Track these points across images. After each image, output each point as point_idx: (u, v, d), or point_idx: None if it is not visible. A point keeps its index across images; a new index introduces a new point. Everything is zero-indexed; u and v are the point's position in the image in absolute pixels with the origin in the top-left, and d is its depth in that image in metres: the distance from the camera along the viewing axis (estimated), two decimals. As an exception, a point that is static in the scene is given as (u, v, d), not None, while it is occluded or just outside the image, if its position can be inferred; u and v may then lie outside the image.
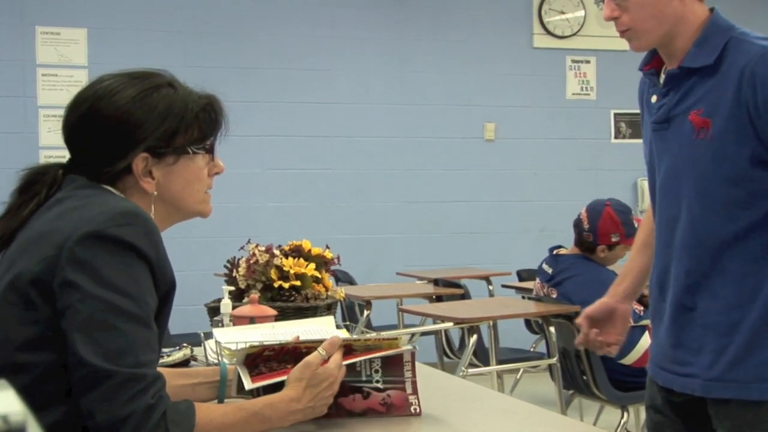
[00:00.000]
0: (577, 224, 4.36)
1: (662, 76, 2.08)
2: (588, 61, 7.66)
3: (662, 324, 2.11)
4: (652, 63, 2.12)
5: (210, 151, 1.67)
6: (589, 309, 2.32)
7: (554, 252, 4.51)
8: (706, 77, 1.97)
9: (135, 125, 1.57)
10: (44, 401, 1.44)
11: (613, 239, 4.29)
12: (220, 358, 2.02)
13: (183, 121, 1.61)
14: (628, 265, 2.36)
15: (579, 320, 2.34)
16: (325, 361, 1.70)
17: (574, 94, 7.67)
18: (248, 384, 1.70)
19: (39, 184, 1.60)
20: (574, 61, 7.65)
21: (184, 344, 2.33)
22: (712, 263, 1.99)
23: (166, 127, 1.59)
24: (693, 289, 2.01)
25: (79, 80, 6.52)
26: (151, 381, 1.44)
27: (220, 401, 1.84)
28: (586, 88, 7.68)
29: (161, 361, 2.17)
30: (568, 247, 4.52)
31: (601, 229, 4.27)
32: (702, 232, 1.99)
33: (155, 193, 1.61)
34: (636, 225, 4.32)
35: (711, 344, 1.99)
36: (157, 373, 1.47)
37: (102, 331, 1.42)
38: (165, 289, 1.54)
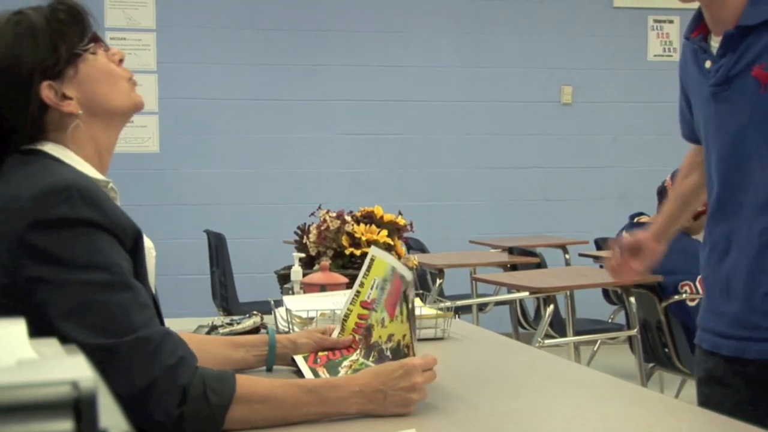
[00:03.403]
0: (661, 191, 4.29)
1: (712, 40, 2.08)
2: (671, 21, 7.48)
3: (726, 291, 2.08)
4: (699, 29, 2.11)
5: (97, 41, 1.61)
6: (625, 240, 2.38)
7: (635, 219, 4.44)
8: (764, 32, 1.95)
9: (15, 64, 1.52)
10: None
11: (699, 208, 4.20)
12: (290, 327, 2.03)
13: (53, 32, 1.55)
14: (661, 208, 2.46)
15: (613, 246, 2.39)
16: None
17: (655, 55, 7.51)
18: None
19: None
20: (656, 21, 7.48)
21: (254, 312, 2.34)
22: None
23: (43, 46, 1.54)
24: (766, 250, 1.99)
25: (147, 44, 6.59)
26: (159, 341, 1.41)
27: (269, 369, 1.84)
28: (669, 49, 7.51)
29: (230, 329, 2.19)
30: (649, 214, 4.45)
31: (686, 197, 4.18)
32: None
33: (80, 111, 1.56)
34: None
35: None
36: (161, 330, 1.44)
37: (86, 311, 1.39)
38: (131, 240, 1.49)
